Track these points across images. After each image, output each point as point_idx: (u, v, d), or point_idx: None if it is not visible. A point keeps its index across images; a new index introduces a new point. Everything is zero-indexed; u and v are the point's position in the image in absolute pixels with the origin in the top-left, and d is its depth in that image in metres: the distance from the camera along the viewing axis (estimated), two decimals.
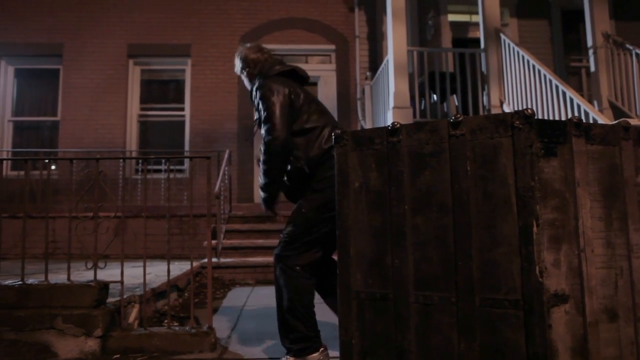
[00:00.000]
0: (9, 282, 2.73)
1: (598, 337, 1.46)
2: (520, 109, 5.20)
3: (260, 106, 2.34)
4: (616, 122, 1.70)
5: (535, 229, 1.38)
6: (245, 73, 2.62)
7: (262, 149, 2.34)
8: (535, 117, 1.43)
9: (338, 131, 1.74)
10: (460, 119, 1.50)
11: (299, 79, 2.54)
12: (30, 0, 7.65)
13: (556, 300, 1.40)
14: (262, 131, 2.34)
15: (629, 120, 3.91)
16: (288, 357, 2.29)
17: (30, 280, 2.73)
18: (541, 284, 1.37)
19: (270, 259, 5.12)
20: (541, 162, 1.42)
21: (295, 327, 2.26)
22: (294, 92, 2.37)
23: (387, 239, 1.62)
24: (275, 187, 2.40)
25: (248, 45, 2.66)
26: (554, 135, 1.46)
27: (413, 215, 1.58)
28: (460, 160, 1.50)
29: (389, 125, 1.64)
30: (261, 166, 2.37)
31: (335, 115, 5.86)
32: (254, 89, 2.45)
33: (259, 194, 2.50)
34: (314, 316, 2.32)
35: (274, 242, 5.46)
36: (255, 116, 2.48)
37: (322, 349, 2.31)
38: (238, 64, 2.65)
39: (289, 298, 2.28)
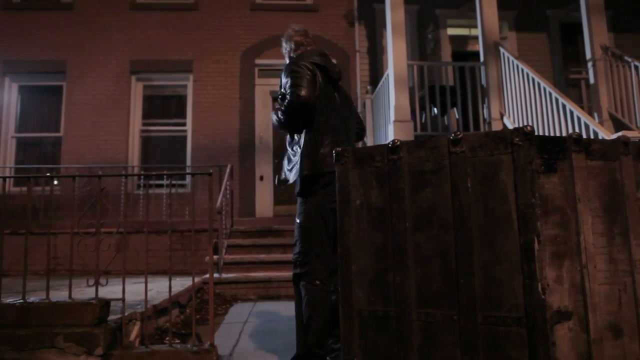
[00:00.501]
0: (10, 300, 2.72)
1: (603, 354, 1.45)
2: (520, 122, 5.21)
3: (287, 78, 2.42)
4: (615, 137, 1.70)
5: (536, 245, 1.38)
6: (286, 51, 2.74)
7: (281, 109, 2.42)
8: (535, 133, 1.44)
9: (339, 149, 1.75)
10: (460, 136, 1.51)
11: (331, 76, 2.60)
12: (34, 19, 7.76)
13: (559, 317, 1.39)
14: (287, 98, 2.40)
15: (629, 132, 3.93)
16: None
17: (31, 299, 2.72)
18: (544, 301, 1.36)
19: (272, 274, 5.11)
20: (541, 179, 1.42)
21: (306, 342, 2.28)
22: (315, 74, 2.45)
23: (388, 256, 1.62)
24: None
25: (296, 28, 2.76)
26: (554, 151, 1.47)
27: (414, 232, 1.58)
28: (461, 178, 1.50)
29: (389, 143, 1.64)
30: (277, 118, 2.46)
31: None
32: (285, 66, 2.53)
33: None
34: (327, 334, 2.32)
35: (276, 256, 5.46)
36: (279, 92, 2.54)
37: None
38: (284, 44, 2.76)
39: (308, 315, 2.29)
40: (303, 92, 2.32)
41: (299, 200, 2.47)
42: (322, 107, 2.45)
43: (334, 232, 2.27)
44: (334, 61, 2.82)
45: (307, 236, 2.37)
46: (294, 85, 2.35)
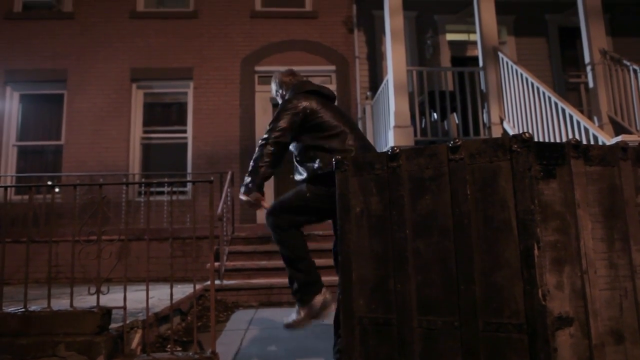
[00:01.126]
0: (11, 309, 2.72)
1: None
2: (520, 127, 5.21)
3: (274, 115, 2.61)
4: (614, 142, 1.71)
5: (536, 251, 1.38)
6: (279, 95, 2.90)
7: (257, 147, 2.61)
8: (534, 140, 1.45)
9: (338, 157, 1.76)
10: (459, 143, 1.52)
11: (326, 96, 2.78)
12: (35, 28, 7.80)
13: (560, 323, 1.39)
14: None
15: (629, 135, 3.93)
16: (297, 307, 2.53)
17: (32, 307, 2.72)
18: (544, 307, 1.36)
19: (273, 280, 5.11)
20: (540, 185, 1.43)
21: (297, 278, 2.52)
22: (310, 107, 2.58)
23: (389, 263, 1.62)
24: (254, 179, 2.60)
25: (283, 70, 2.95)
26: (553, 157, 1.47)
27: (414, 239, 1.58)
28: (460, 184, 1.51)
29: (388, 150, 1.65)
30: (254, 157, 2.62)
31: None
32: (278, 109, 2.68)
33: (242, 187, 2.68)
34: (312, 265, 2.55)
35: (277, 263, 5.44)
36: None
37: (323, 289, 2.53)
38: (273, 87, 2.94)
39: (287, 254, 2.54)
40: (272, 136, 2.52)
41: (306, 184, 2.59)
42: (330, 119, 2.58)
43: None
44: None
45: (300, 202, 2.56)
46: (269, 125, 2.57)
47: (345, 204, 1.74)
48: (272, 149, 2.51)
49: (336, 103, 2.88)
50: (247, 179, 2.62)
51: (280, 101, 2.85)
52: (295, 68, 2.83)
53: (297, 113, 2.54)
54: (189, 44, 7.88)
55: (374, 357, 1.63)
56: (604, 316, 1.49)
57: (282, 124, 2.53)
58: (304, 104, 2.57)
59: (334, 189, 2.35)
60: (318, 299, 2.48)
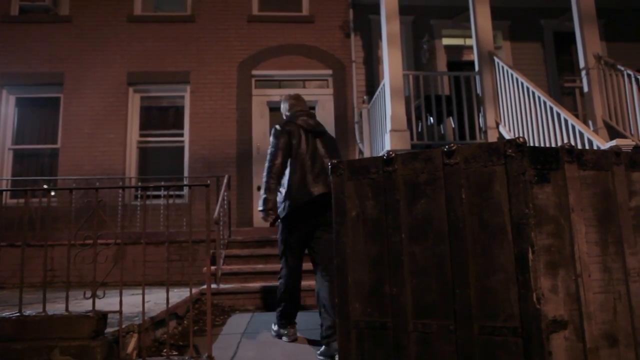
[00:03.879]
0: (6, 313, 2.70)
1: None
2: (516, 131, 5.22)
3: (271, 142, 3.25)
4: (607, 147, 1.72)
5: (530, 255, 1.39)
6: (283, 112, 3.57)
7: (264, 172, 3.20)
8: (528, 144, 1.46)
9: (334, 161, 1.77)
10: (454, 148, 1.53)
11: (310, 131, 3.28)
12: (32, 31, 7.79)
13: (555, 326, 1.40)
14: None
15: (623, 140, 3.96)
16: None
17: (27, 312, 2.71)
18: (539, 311, 1.37)
19: (270, 284, 5.10)
20: (535, 189, 1.44)
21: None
22: (296, 135, 3.20)
23: (384, 267, 1.63)
24: (268, 197, 3.15)
25: (292, 94, 3.62)
26: (547, 162, 1.49)
27: (410, 243, 1.59)
28: (455, 189, 1.52)
29: (384, 155, 1.66)
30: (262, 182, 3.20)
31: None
32: (274, 128, 3.31)
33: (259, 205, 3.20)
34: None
35: (274, 267, 5.44)
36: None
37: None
38: (282, 105, 3.62)
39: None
40: (274, 161, 3.13)
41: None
42: (299, 154, 3.15)
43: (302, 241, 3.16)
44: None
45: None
46: (271, 154, 3.16)
47: (341, 208, 1.74)
48: (271, 173, 3.13)
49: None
50: (261, 202, 3.15)
51: (283, 117, 3.51)
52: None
53: (286, 136, 3.17)
54: (186, 48, 7.89)
55: None
56: (598, 319, 1.50)
57: (277, 150, 3.14)
58: (289, 133, 3.18)
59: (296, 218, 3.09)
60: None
